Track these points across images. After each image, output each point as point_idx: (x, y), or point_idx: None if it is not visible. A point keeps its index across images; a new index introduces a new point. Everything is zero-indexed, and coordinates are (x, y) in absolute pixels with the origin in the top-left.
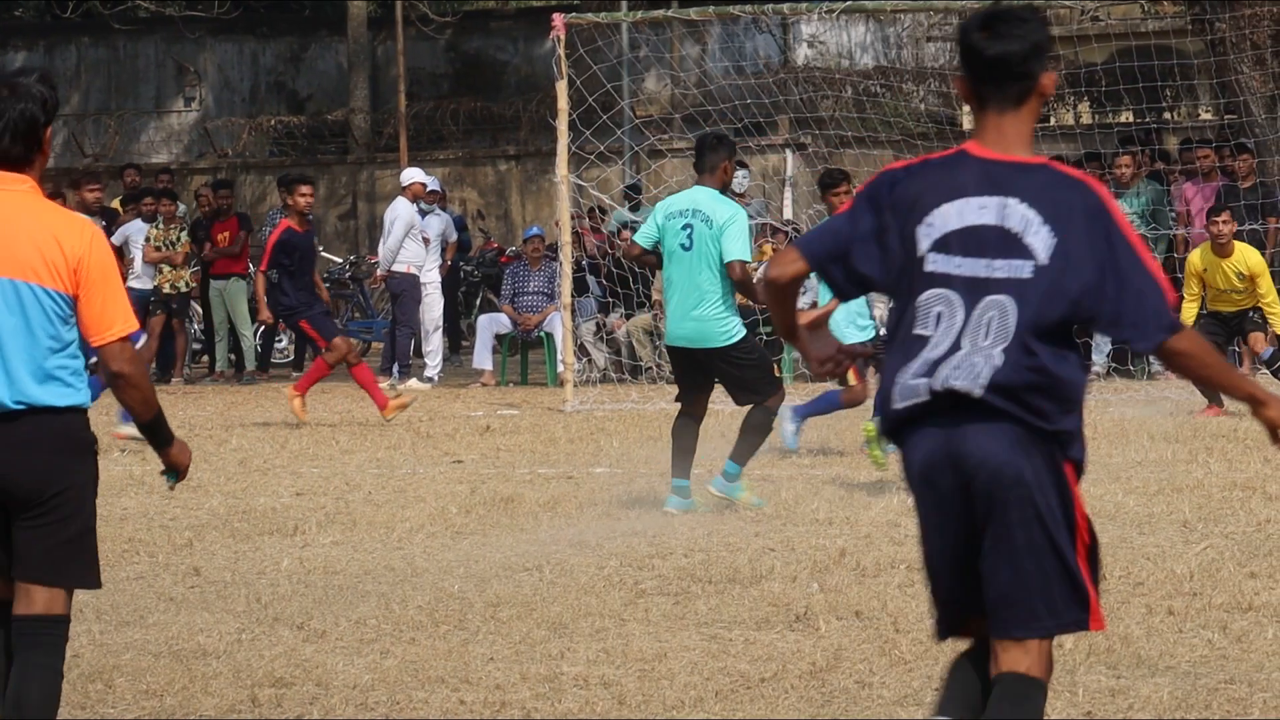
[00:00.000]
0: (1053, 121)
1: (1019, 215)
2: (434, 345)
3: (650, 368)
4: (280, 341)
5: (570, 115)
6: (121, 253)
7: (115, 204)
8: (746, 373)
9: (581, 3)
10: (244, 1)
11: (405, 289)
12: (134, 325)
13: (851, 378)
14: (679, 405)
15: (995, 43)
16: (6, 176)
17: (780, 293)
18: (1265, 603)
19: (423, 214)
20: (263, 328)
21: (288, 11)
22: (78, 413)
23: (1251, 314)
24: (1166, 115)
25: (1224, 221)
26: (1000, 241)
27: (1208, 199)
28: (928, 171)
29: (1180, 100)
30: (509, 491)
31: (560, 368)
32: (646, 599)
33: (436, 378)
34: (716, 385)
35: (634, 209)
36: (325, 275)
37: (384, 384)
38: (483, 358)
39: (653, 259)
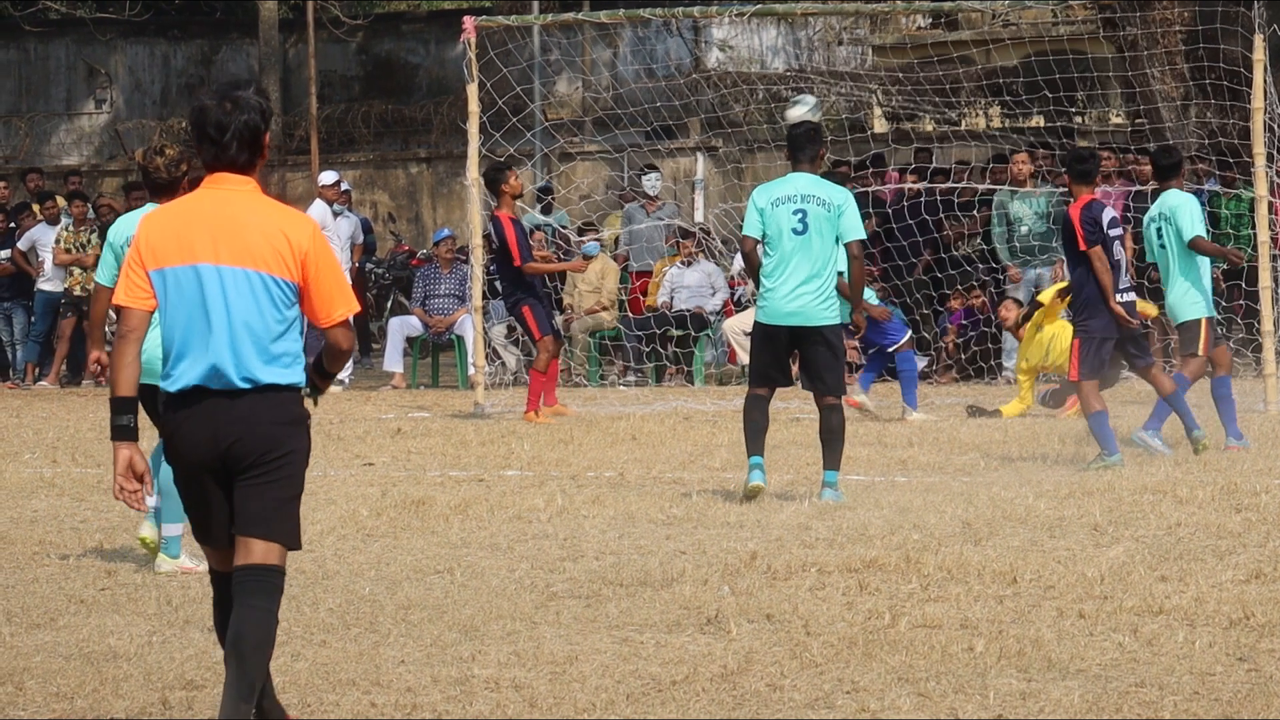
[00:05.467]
0: (963, 125)
1: None
2: None
3: (563, 369)
4: None
5: (481, 118)
6: (29, 258)
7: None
8: (835, 358)
9: (492, 5)
10: (155, 4)
11: None
12: (355, 307)
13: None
14: (751, 386)
15: None
16: (234, 178)
17: None
18: (1175, 606)
19: (334, 215)
20: None
21: (199, 14)
22: (294, 390)
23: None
24: (1077, 119)
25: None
26: None
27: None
28: None
29: (1091, 104)
30: (420, 494)
31: (471, 370)
32: (558, 602)
33: (347, 380)
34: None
35: (545, 211)
36: None
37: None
38: (394, 360)
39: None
